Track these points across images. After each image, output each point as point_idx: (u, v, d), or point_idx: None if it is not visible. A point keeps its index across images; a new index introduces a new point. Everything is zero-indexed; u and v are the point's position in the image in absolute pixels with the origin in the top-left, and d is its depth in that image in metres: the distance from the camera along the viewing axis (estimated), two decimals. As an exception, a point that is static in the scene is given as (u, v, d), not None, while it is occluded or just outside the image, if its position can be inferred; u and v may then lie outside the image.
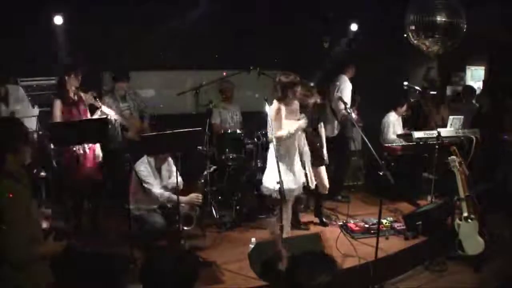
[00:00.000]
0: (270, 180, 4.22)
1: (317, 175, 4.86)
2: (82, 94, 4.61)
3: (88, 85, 4.82)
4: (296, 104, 4.31)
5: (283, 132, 4.13)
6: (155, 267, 1.97)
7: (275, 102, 4.22)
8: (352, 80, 5.95)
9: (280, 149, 4.18)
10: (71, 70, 4.52)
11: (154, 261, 2.01)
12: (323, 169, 4.97)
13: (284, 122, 4.17)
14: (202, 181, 4.72)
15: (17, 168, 2.47)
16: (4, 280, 2.38)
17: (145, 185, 4.20)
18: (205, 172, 4.76)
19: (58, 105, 4.47)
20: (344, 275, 3.85)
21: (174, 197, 4.09)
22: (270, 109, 4.17)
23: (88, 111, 4.67)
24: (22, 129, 2.62)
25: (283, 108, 4.18)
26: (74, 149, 4.46)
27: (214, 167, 5.06)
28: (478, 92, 6.90)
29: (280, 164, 3.95)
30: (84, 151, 4.51)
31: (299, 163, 4.40)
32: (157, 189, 4.24)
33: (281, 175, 3.75)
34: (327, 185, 5.02)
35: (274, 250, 3.35)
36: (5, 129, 2.51)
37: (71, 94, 4.54)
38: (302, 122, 4.30)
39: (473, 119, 6.03)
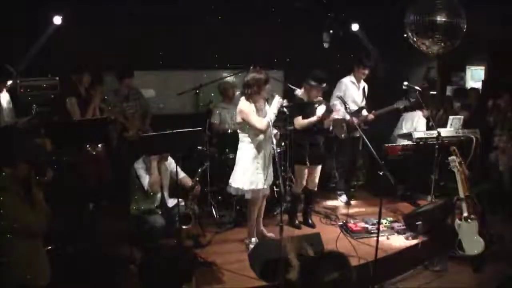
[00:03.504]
0: (238, 180, 4.17)
1: (312, 173, 4.89)
2: (92, 92, 4.72)
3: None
4: (262, 102, 4.18)
5: (265, 120, 4.00)
6: (152, 265, 1.99)
7: (243, 100, 4.12)
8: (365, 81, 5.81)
9: (253, 146, 4.11)
10: (83, 70, 4.68)
11: (152, 258, 2.03)
12: (318, 168, 4.96)
13: (256, 118, 4.07)
14: (199, 170, 4.66)
15: (14, 182, 2.45)
16: (8, 279, 2.39)
17: (143, 182, 4.23)
18: (200, 170, 4.71)
19: (74, 103, 4.56)
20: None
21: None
22: (241, 107, 4.09)
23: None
24: (21, 143, 2.60)
25: (252, 105, 4.11)
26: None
27: (207, 164, 5.03)
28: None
29: (252, 163, 4.08)
30: (90, 151, 4.54)
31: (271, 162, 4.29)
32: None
33: (251, 175, 4.04)
34: (317, 183, 5.00)
35: (274, 250, 3.35)
36: (4, 142, 2.49)
37: (84, 92, 4.66)
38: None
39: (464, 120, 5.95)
